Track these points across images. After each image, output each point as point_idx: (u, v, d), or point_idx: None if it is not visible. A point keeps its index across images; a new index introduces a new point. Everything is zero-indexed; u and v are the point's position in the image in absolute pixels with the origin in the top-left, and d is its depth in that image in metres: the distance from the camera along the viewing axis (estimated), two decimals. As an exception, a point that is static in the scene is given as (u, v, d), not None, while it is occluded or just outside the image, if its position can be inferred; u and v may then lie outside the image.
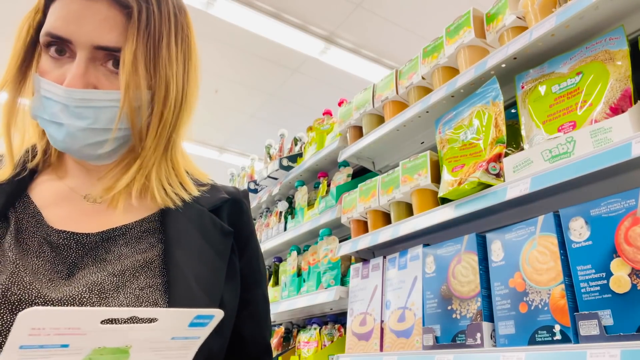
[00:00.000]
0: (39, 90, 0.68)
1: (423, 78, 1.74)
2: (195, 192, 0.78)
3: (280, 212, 2.84)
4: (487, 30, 1.52)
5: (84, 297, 0.62)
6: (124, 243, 0.70)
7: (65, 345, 0.46)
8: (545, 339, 1.08)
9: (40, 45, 0.70)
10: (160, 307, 0.65)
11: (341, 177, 2.28)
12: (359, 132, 2.12)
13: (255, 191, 3.21)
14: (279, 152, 3.05)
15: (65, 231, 0.68)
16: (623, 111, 1.09)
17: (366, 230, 1.88)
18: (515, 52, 1.36)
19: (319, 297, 2.04)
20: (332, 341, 2.17)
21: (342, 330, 2.21)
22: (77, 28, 0.65)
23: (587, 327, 0.99)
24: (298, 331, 2.50)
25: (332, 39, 4.79)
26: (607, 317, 0.97)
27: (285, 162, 2.79)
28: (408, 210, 1.71)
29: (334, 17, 4.47)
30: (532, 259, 1.17)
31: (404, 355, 1.43)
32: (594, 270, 1.02)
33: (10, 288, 0.59)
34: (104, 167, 0.75)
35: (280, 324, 2.79)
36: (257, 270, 0.85)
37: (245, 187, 3.26)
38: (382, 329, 1.61)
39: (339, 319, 2.29)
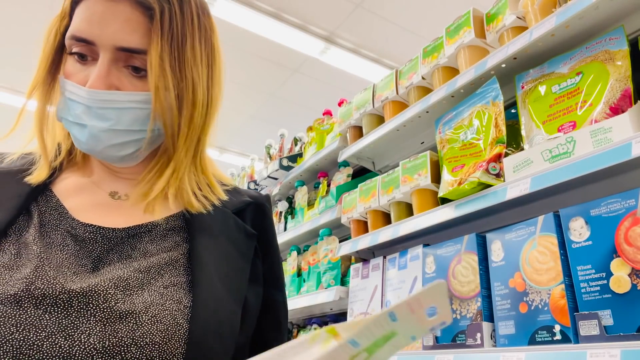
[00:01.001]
0: (64, 93, 0.68)
1: (423, 78, 1.74)
2: (224, 197, 0.79)
3: (280, 212, 2.84)
4: (487, 30, 1.52)
5: (109, 292, 0.61)
6: (149, 240, 0.70)
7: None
8: (545, 339, 1.08)
9: (66, 49, 0.70)
10: (183, 305, 0.65)
11: (341, 177, 2.28)
12: (359, 132, 2.12)
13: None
14: (279, 152, 3.05)
15: (91, 225, 0.68)
16: (623, 111, 1.09)
17: (366, 230, 1.88)
18: (515, 52, 1.36)
19: (319, 297, 2.04)
20: (332, 341, 2.16)
21: (342, 330, 2.20)
22: (99, 30, 0.66)
23: (587, 327, 0.99)
24: (298, 331, 2.51)
25: (332, 39, 4.79)
26: (607, 317, 0.97)
27: (285, 162, 2.79)
28: (408, 210, 1.71)
29: (334, 17, 4.47)
30: (532, 259, 1.17)
31: (404, 355, 1.43)
32: (594, 271, 1.02)
33: (34, 282, 0.59)
34: (129, 169, 0.76)
35: (280, 324, 2.78)
36: (279, 275, 0.85)
37: (245, 187, 3.26)
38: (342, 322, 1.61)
39: (339, 319, 2.29)
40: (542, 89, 1.30)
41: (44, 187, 0.71)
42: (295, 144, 2.95)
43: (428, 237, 1.71)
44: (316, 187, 2.57)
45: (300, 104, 5.87)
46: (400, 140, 1.94)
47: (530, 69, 1.36)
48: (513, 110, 1.52)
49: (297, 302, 2.23)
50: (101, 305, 0.60)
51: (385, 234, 1.70)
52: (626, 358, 0.87)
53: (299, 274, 2.46)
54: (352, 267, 1.89)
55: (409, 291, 1.55)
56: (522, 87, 1.36)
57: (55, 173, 0.75)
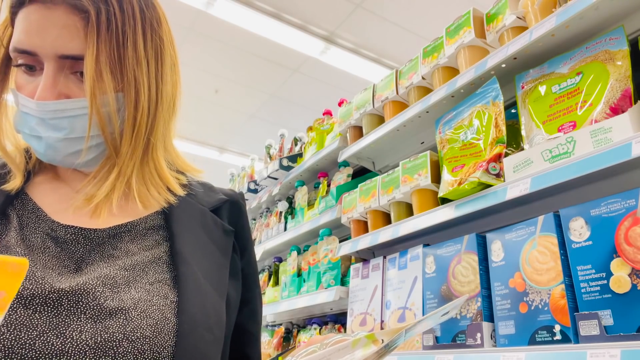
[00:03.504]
0: (18, 106, 0.67)
1: (423, 78, 1.74)
2: (180, 192, 0.78)
3: (280, 212, 2.84)
4: (487, 30, 1.52)
5: (97, 289, 0.62)
6: (129, 239, 0.71)
7: None
8: (546, 339, 1.08)
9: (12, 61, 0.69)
10: (170, 300, 0.65)
11: (341, 177, 2.28)
12: (359, 132, 2.12)
13: (255, 191, 3.21)
14: (279, 152, 3.05)
15: (72, 226, 0.68)
16: (623, 111, 1.09)
17: (366, 230, 1.88)
18: (515, 52, 1.36)
19: (319, 297, 2.04)
20: (332, 341, 2.16)
21: (342, 330, 2.21)
22: (39, 40, 0.64)
23: (587, 327, 0.99)
24: (298, 331, 2.51)
25: (332, 39, 4.79)
26: (607, 317, 0.97)
27: (285, 162, 2.80)
28: (408, 210, 1.71)
29: (334, 17, 4.47)
30: (532, 259, 1.17)
31: (404, 355, 1.43)
32: (594, 271, 1.02)
33: (22, 283, 0.59)
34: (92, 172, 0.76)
35: (281, 324, 2.79)
36: (255, 269, 0.87)
37: (245, 187, 3.26)
38: (382, 329, 1.61)
39: (339, 319, 2.29)
40: (542, 89, 1.30)
41: (20, 191, 0.71)
42: (295, 144, 2.95)
43: (428, 237, 1.71)
44: (316, 187, 2.57)
45: (300, 104, 5.87)
46: (400, 140, 1.94)
47: (530, 69, 1.36)
48: (513, 110, 1.52)
49: (297, 302, 2.23)
50: (90, 302, 0.60)
51: (385, 234, 1.70)
52: (626, 358, 0.87)
53: (299, 274, 2.46)
54: (352, 267, 1.89)
55: (409, 291, 1.55)
56: (522, 87, 1.36)
57: (30, 176, 0.74)
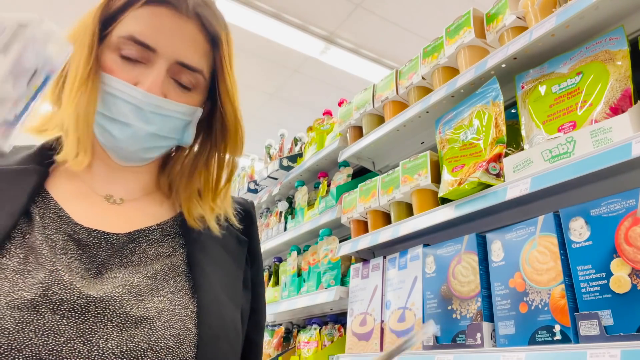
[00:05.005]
0: (104, 89, 0.70)
1: (423, 78, 1.74)
2: (231, 216, 0.82)
3: (280, 212, 2.84)
4: (487, 30, 1.52)
5: (124, 298, 0.62)
6: (147, 245, 0.71)
7: None
8: (546, 339, 1.08)
9: (106, 43, 0.72)
10: (190, 311, 0.66)
11: (341, 177, 2.28)
12: (359, 132, 2.12)
13: (255, 191, 3.21)
14: (279, 152, 3.05)
15: (95, 230, 0.68)
16: (623, 111, 1.09)
17: (366, 230, 1.88)
18: (515, 52, 1.36)
19: (319, 297, 2.04)
20: (332, 341, 2.17)
21: (342, 330, 2.21)
22: (166, 41, 0.70)
23: (587, 327, 0.99)
24: (298, 331, 2.50)
25: (332, 39, 4.79)
26: (607, 317, 0.97)
27: (285, 162, 2.79)
28: (408, 210, 1.71)
29: (334, 17, 4.47)
30: (532, 259, 1.17)
31: (404, 355, 1.43)
32: (594, 271, 1.02)
33: (51, 287, 0.59)
34: (131, 169, 0.77)
35: (280, 324, 2.79)
36: (262, 279, 0.88)
37: (245, 187, 3.26)
38: (382, 329, 1.61)
39: (339, 319, 2.29)
40: (542, 89, 1.30)
41: (41, 189, 0.71)
42: (295, 144, 2.95)
43: (428, 237, 1.71)
44: (316, 187, 2.57)
45: (300, 104, 5.87)
46: (400, 140, 1.94)
47: (530, 69, 1.36)
48: (513, 110, 1.52)
49: (297, 302, 2.23)
50: (117, 310, 0.61)
51: (385, 234, 1.70)
52: (626, 358, 0.87)
53: (299, 274, 2.46)
54: (352, 267, 1.89)
55: (409, 291, 1.55)
56: (522, 87, 1.36)
57: (47, 173, 0.74)
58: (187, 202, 0.78)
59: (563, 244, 1.11)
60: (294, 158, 2.83)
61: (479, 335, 1.22)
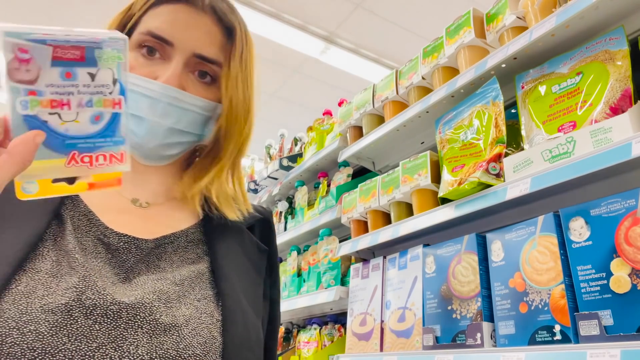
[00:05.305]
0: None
1: (423, 78, 1.74)
2: (250, 209, 0.82)
3: (280, 212, 2.84)
4: (487, 30, 1.52)
5: (154, 305, 0.63)
6: (172, 251, 0.72)
7: None
8: (546, 339, 1.08)
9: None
10: (215, 319, 0.67)
11: (341, 177, 2.28)
12: (359, 132, 2.12)
13: (255, 191, 3.21)
14: (279, 152, 3.05)
15: (126, 235, 0.69)
16: (623, 111, 1.09)
17: (366, 230, 1.88)
18: (515, 52, 1.36)
19: (319, 297, 2.04)
20: (332, 341, 2.17)
21: (342, 330, 2.21)
22: (182, 34, 0.71)
23: (587, 327, 0.99)
24: (298, 331, 2.50)
25: (332, 39, 4.79)
26: (607, 317, 0.97)
27: (285, 162, 2.79)
28: (408, 210, 1.71)
29: (334, 17, 4.47)
30: (532, 259, 1.17)
31: (404, 355, 1.43)
32: (594, 271, 1.02)
33: (84, 292, 0.59)
34: (155, 170, 0.77)
35: (281, 324, 2.79)
36: (280, 289, 0.88)
37: (245, 187, 3.25)
38: (382, 329, 1.61)
39: (339, 319, 2.29)
40: (542, 89, 1.30)
41: None
42: (295, 144, 2.95)
43: (428, 237, 1.71)
44: (316, 187, 2.57)
45: (300, 104, 5.87)
46: (400, 140, 1.94)
47: (530, 69, 1.36)
48: (513, 110, 1.52)
49: (297, 302, 2.23)
50: (147, 317, 0.61)
51: (385, 234, 1.70)
52: (626, 358, 0.87)
53: (299, 274, 2.46)
54: (352, 267, 1.89)
55: (409, 291, 1.55)
56: (522, 87, 1.36)
57: None
58: (210, 202, 0.78)
59: (563, 244, 1.11)
60: (294, 158, 2.83)
61: (479, 335, 1.22)
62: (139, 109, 0.69)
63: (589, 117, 1.15)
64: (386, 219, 1.81)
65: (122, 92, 0.50)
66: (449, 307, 1.36)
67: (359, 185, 1.94)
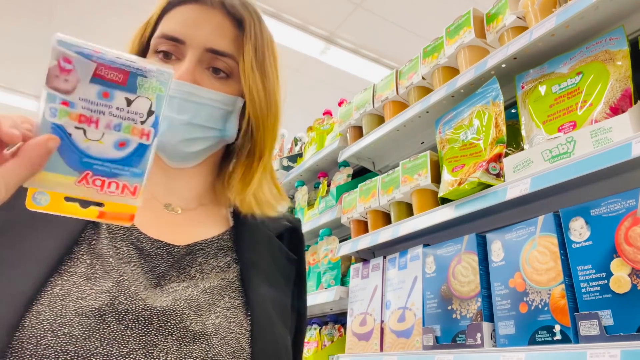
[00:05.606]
0: None
1: (423, 78, 1.74)
2: (282, 209, 0.82)
3: (280, 212, 2.84)
4: (487, 30, 1.52)
5: (184, 312, 0.63)
6: (202, 258, 0.72)
7: None
8: (546, 339, 1.08)
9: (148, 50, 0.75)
10: (244, 329, 0.66)
11: (341, 177, 2.28)
12: (359, 132, 2.12)
13: (255, 191, 3.21)
14: (279, 152, 3.05)
15: (159, 240, 0.69)
16: (623, 111, 1.09)
17: (366, 230, 1.88)
18: (516, 52, 1.36)
19: (319, 297, 2.04)
20: (332, 341, 2.17)
21: (342, 330, 2.21)
22: (192, 31, 0.71)
23: (587, 327, 0.99)
24: (298, 331, 2.50)
25: (332, 39, 4.79)
26: (607, 317, 0.97)
27: (285, 162, 2.79)
28: (408, 210, 1.71)
29: (334, 17, 4.47)
30: (532, 259, 1.17)
31: (404, 355, 1.43)
32: (594, 271, 1.02)
33: (117, 297, 0.60)
34: (184, 172, 0.77)
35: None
36: (306, 300, 0.88)
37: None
38: (382, 329, 1.61)
39: (339, 319, 2.29)
40: (542, 89, 1.30)
41: None
42: (295, 144, 2.95)
43: (428, 237, 1.71)
44: (316, 187, 2.57)
45: (300, 104, 5.87)
46: (400, 140, 1.94)
47: (530, 69, 1.36)
48: (513, 110, 1.52)
49: (297, 302, 2.23)
50: (178, 324, 0.61)
51: (385, 234, 1.70)
52: (626, 358, 0.87)
53: (299, 274, 2.46)
54: (352, 267, 1.89)
55: (409, 291, 1.55)
56: (522, 87, 1.36)
57: None
58: (240, 204, 0.78)
59: (563, 244, 1.11)
60: (294, 158, 2.83)
61: (479, 335, 1.22)
62: None
63: (589, 117, 1.15)
64: (386, 219, 1.81)
65: (156, 125, 0.49)
66: (449, 307, 1.36)
67: (359, 185, 1.94)
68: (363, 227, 1.92)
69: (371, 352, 1.61)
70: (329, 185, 2.40)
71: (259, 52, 0.75)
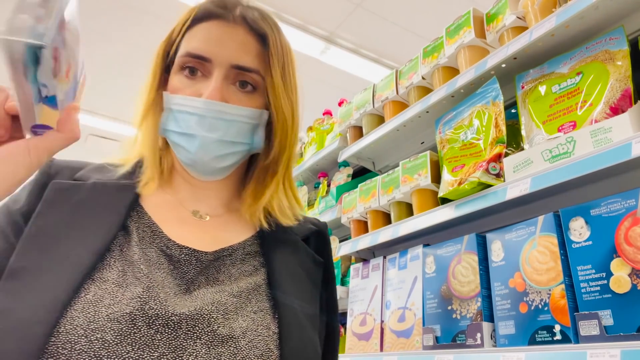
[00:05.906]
0: (169, 107, 0.73)
1: (423, 78, 1.74)
2: (300, 217, 0.83)
3: (280, 212, 2.84)
4: (487, 30, 1.52)
5: (212, 315, 0.64)
6: (230, 263, 0.73)
7: None
8: (546, 339, 1.08)
9: (169, 69, 0.77)
10: (272, 332, 0.67)
11: (341, 177, 2.28)
12: (359, 132, 2.12)
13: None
14: (279, 152, 3.04)
15: (187, 247, 0.70)
16: (623, 111, 1.09)
17: (366, 230, 1.88)
18: (515, 52, 1.36)
19: (319, 297, 2.03)
20: (332, 341, 2.16)
21: (342, 330, 2.21)
22: (218, 49, 0.72)
23: (587, 327, 0.99)
24: (298, 331, 2.50)
25: (332, 39, 4.79)
26: (607, 317, 0.97)
27: (285, 162, 2.79)
28: (408, 210, 1.71)
29: (334, 17, 4.47)
30: (532, 259, 1.17)
31: (404, 355, 1.43)
32: (594, 271, 1.02)
33: (148, 302, 0.61)
34: (212, 184, 0.79)
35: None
36: (337, 302, 0.88)
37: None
38: (382, 329, 1.61)
39: (339, 319, 2.28)
40: (542, 89, 1.30)
41: (136, 203, 0.73)
42: (295, 144, 2.95)
43: (428, 237, 1.71)
44: (316, 187, 2.57)
45: (300, 104, 5.87)
46: (400, 140, 1.94)
47: (530, 69, 1.36)
48: (513, 110, 1.52)
49: (297, 302, 2.23)
50: (206, 328, 0.62)
51: (385, 234, 1.70)
52: (626, 358, 0.87)
53: (299, 274, 2.46)
54: (352, 267, 1.89)
55: (409, 291, 1.55)
56: (522, 87, 1.36)
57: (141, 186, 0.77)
58: (250, 217, 0.79)
59: (563, 244, 1.11)
60: (294, 158, 2.82)
61: (479, 335, 1.22)
62: (189, 127, 0.71)
63: (589, 117, 1.15)
64: (386, 219, 1.81)
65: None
66: (449, 307, 1.36)
67: (359, 185, 1.94)
68: (363, 227, 1.92)
69: (371, 352, 1.61)
70: (329, 185, 2.40)
71: (283, 69, 0.77)
